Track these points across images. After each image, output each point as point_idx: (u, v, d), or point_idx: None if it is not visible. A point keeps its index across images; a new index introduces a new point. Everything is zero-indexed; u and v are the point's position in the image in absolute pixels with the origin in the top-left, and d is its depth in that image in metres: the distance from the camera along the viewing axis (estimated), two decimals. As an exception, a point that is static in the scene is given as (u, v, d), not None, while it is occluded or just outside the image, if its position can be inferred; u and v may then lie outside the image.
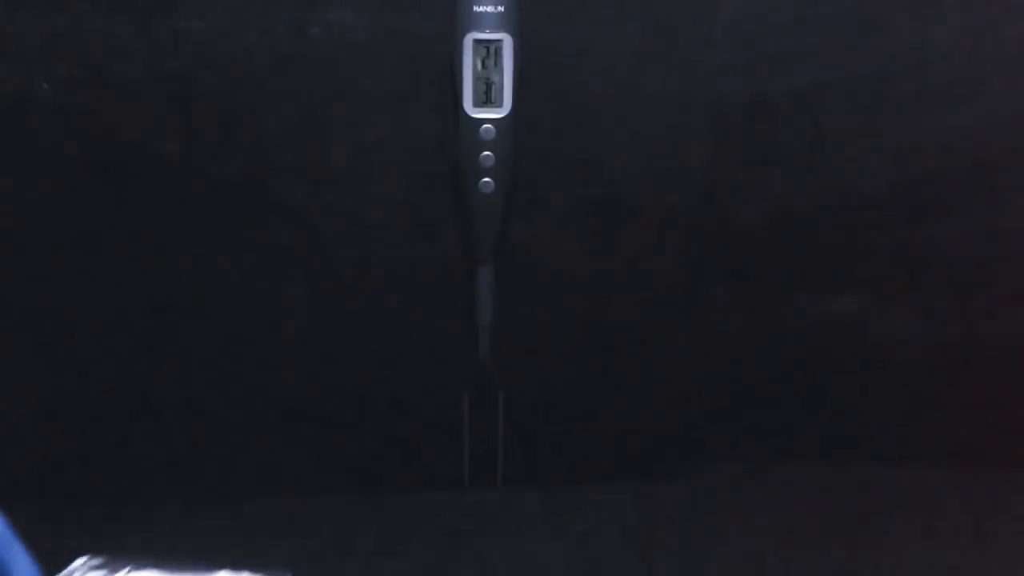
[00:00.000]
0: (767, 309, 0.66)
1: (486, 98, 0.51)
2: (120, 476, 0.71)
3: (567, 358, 0.68)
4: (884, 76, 0.54)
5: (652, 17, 0.52)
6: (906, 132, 0.56)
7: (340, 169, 0.59)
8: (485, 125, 0.51)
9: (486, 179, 0.53)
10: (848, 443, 0.73)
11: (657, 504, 0.71)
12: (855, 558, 0.68)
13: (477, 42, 0.47)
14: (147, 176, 0.60)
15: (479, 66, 0.49)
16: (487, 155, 0.52)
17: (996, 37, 0.52)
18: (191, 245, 0.63)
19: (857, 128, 0.56)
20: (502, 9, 0.47)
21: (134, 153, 0.58)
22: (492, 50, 0.48)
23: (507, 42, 0.48)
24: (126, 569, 0.31)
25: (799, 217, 0.61)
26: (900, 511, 0.71)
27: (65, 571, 0.29)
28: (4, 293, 0.64)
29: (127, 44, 0.53)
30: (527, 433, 0.70)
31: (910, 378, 0.70)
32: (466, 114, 0.51)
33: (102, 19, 0.52)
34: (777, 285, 0.65)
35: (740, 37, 0.52)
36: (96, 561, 0.29)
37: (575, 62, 0.49)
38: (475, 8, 0.47)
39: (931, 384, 0.70)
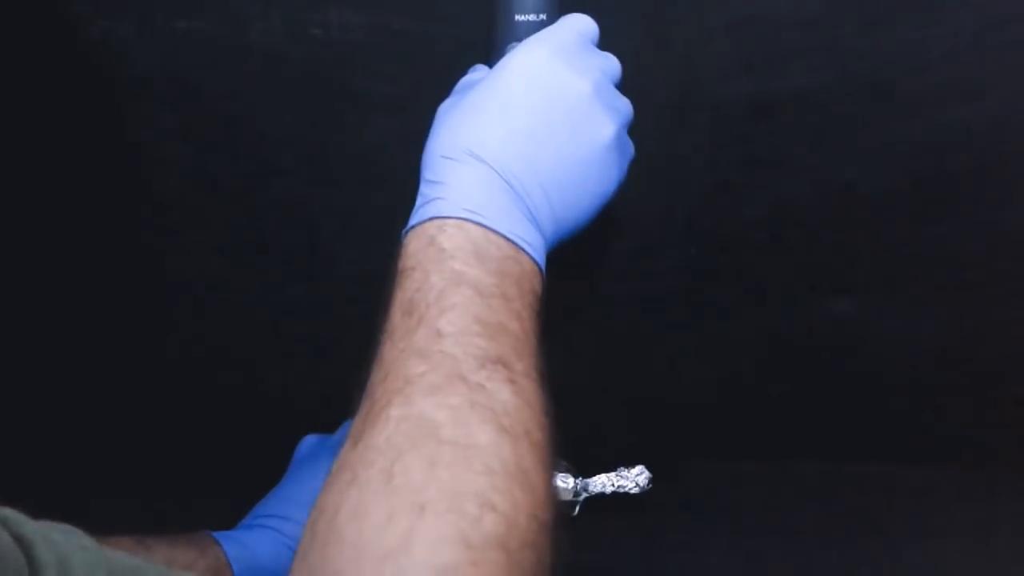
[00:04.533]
0: (767, 309, 0.66)
1: None
2: (115, 475, 0.71)
3: (566, 358, 0.68)
4: (884, 76, 0.54)
5: (652, 17, 0.52)
6: (906, 132, 0.56)
7: (340, 169, 0.59)
8: None
9: None
10: (848, 443, 0.73)
11: (657, 504, 0.71)
12: (856, 558, 0.68)
13: None
14: (147, 176, 0.60)
15: None
16: None
17: (997, 37, 0.52)
18: (190, 245, 0.64)
19: (857, 128, 0.56)
20: (544, 18, 0.47)
21: (134, 153, 0.58)
22: None
23: None
24: None
25: (799, 217, 0.61)
26: (900, 511, 0.71)
27: None
28: (1, 293, 0.64)
29: (127, 44, 0.53)
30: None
31: (910, 378, 0.70)
32: None
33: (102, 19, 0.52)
34: (777, 285, 0.65)
35: (740, 37, 0.52)
36: None
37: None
38: (517, 17, 0.47)
39: (931, 384, 0.70)
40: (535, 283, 0.40)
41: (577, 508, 0.69)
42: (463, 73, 0.48)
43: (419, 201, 0.41)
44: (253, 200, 0.60)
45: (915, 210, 0.60)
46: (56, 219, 0.62)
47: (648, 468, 0.71)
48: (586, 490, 0.70)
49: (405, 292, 0.37)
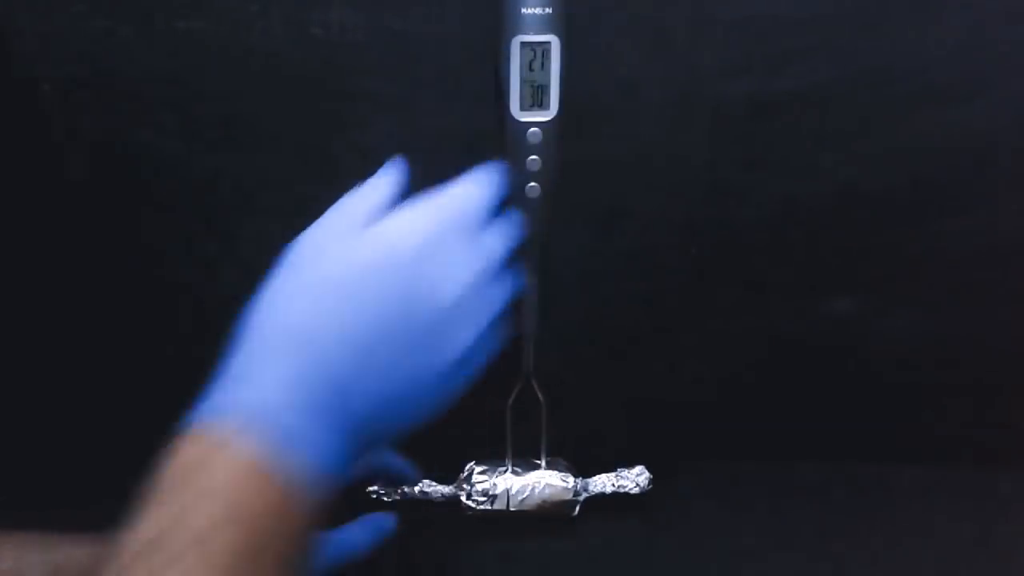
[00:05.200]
0: (767, 309, 0.66)
1: (533, 101, 0.50)
2: (115, 475, 0.71)
3: (565, 358, 0.68)
4: (884, 76, 0.54)
5: (652, 17, 0.52)
6: (906, 132, 0.56)
7: (340, 169, 0.59)
8: (532, 129, 0.51)
9: (532, 184, 0.53)
10: (848, 443, 0.73)
11: (657, 504, 0.71)
12: (855, 558, 0.68)
13: (524, 44, 0.47)
14: (147, 176, 0.60)
15: (526, 69, 0.48)
16: (534, 159, 0.52)
17: (997, 37, 0.52)
18: (191, 245, 0.63)
19: (857, 128, 0.56)
20: (550, 11, 0.47)
21: (134, 153, 0.58)
22: (539, 52, 0.48)
23: (555, 44, 0.48)
24: None
25: (799, 217, 0.61)
26: (900, 511, 0.71)
27: None
28: (1, 293, 0.64)
29: (127, 44, 0.53)
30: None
31: (910, 378, 0.70)
32: (513, 118, 0.50)
33: (102, 19, 0.52)
34: (777, 285, 0.65)
35: (740, 37, 0.52)
36: None
37: (573, 62, 0.49)
38: (523, 10, 0.47)
39: (931, 384, 0.70)
40: (299, 531, 0.35)
41: (577, 508, 0.69)
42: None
43: (220, 380, 0.38)
44: (253, 200, 0.60)
45: (915, 210, 0.60)
46: (56, 219, 0.62)
47: (648, 468, 0.71)
48: (586, 490, 0.70)
49: (155, 523, 0.35)
